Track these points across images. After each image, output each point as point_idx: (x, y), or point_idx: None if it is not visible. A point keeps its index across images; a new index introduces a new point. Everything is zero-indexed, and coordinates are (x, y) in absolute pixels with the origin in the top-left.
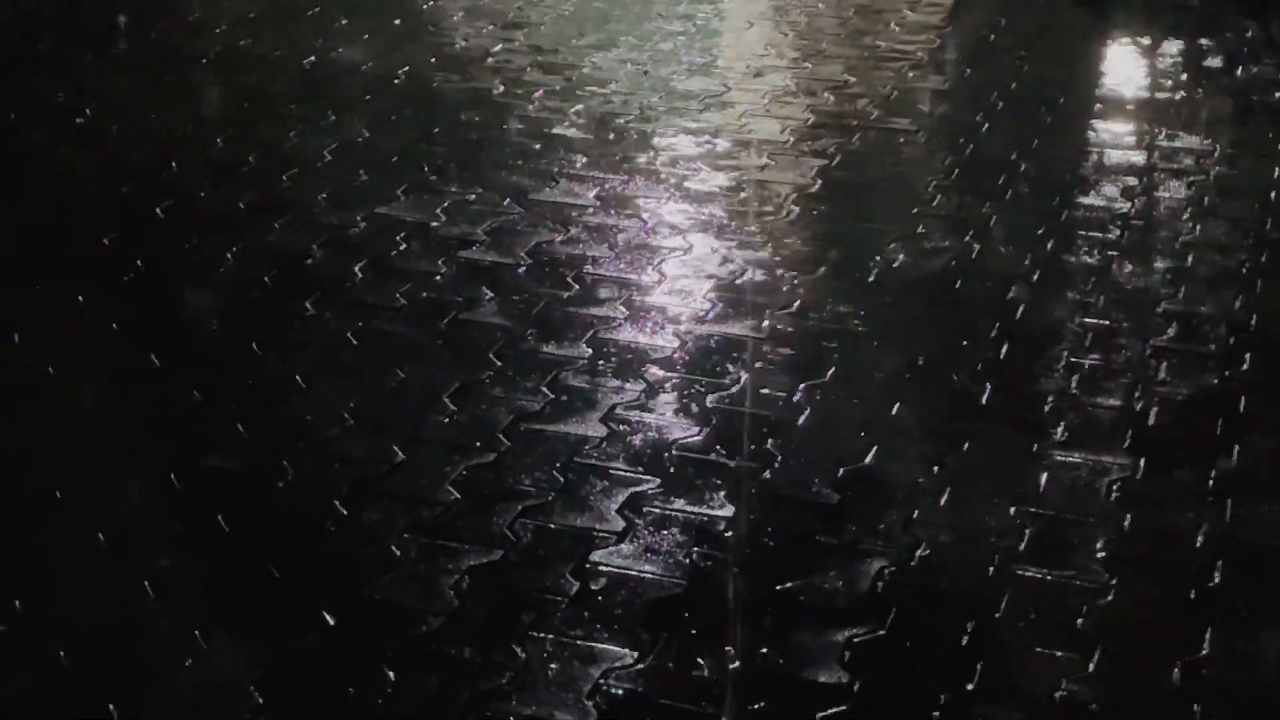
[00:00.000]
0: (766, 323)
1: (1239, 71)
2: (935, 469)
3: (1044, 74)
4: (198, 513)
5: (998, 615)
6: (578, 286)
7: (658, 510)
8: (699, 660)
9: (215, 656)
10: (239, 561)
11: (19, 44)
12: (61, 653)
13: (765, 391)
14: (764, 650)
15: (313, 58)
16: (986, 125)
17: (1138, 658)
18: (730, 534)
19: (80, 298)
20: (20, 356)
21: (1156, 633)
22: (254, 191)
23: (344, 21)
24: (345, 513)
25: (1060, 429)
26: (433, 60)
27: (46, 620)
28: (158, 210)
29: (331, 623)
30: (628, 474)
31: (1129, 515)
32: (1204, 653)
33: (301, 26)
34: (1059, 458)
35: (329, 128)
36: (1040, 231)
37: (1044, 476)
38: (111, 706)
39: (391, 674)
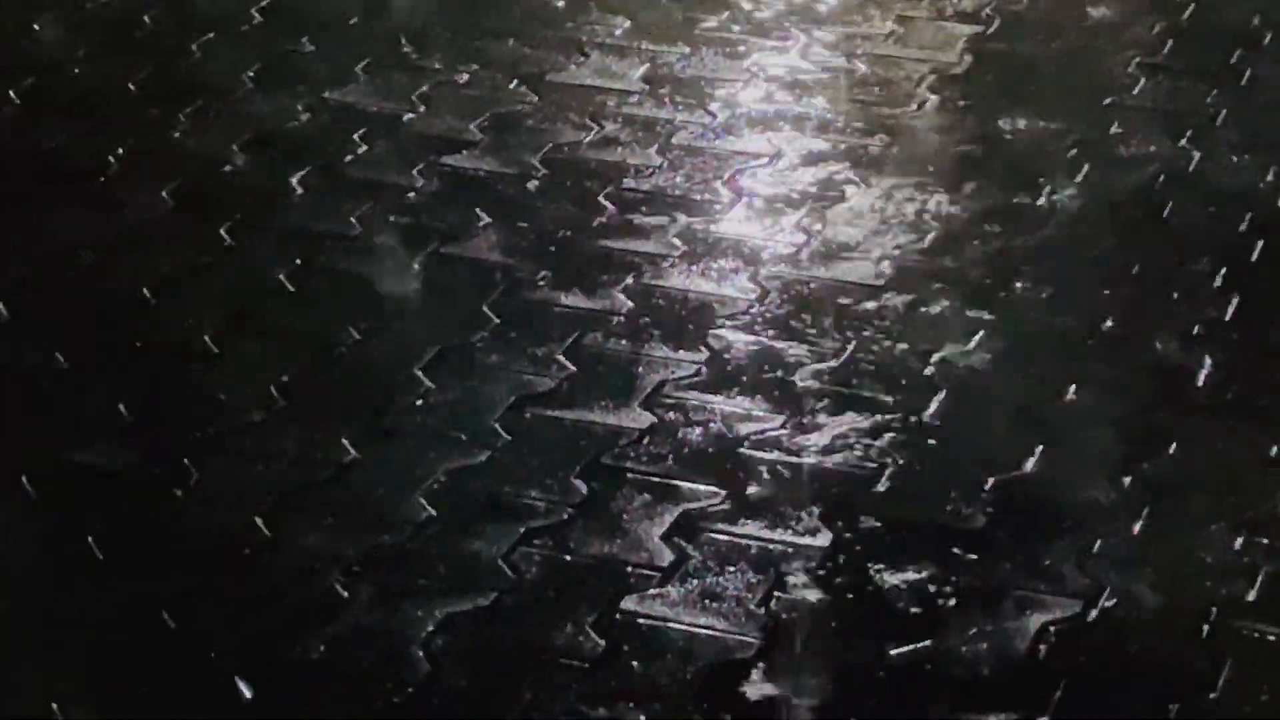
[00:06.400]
0: (885, 265)
1: None
2: (1126, 481)
3: None
4: None
5: (1214, 695)
6: (613, 209)
7: (721, 538)
8: None
9: None
10: None
11: None
12: None
13: (883, 366)
14: None
15: None
16: None
17: None
18: (826, 572)
19: None
20: None
21: None
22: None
23: None
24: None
25: None
26: None
27: None
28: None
29: None
30: (681, 484)
31: None
32: None
33: None
34: None
35: None
36: None
37: None
38: None
39: None
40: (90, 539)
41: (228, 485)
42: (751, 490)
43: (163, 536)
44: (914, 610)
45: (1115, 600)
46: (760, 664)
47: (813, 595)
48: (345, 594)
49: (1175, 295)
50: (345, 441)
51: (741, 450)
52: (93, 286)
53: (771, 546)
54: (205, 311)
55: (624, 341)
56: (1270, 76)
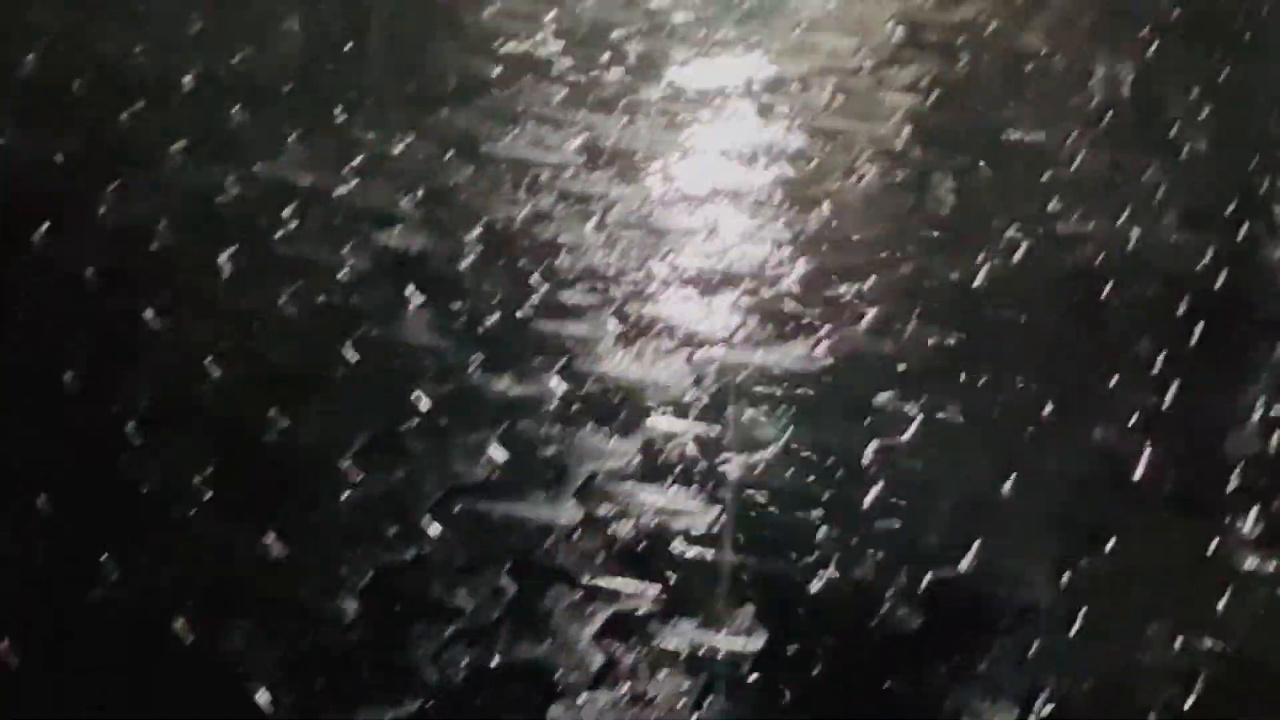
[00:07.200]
0: (823, 347)
1: None
2: (1065, 577)
3: None
4: None
5: None
6: (547, 286)
7: (653, 640)
8: None
9: None
10: None
11: None
12: None
13: (819, 456)
14: None
15: None
16: (1156, 44)
17: None
18: (759, 675)
19: None
20: None
21: None
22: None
23: None
24: None
25: (1252, 520)
26: None
27: None
28: None
29: None
30: (611, 582)
31: None
32: None
33: None
34: (1249, 564)
35: (193, 40)
36: (1231, 209)
37: (1226, 592)
38: None
39: None
40: (4, 639)
41: (149, 584)
42: (684, 589)
43: (81, 637)
44: (849, 715)
45: (1053, 705)
46: None
47: (746, 699)
48: (268, 701)
49: (1114, 381)
50: (271, 537)
51: (674, 547)
52: (12, 369)
53: (704, 650)
54: (130, 397)
55: (556, 430)
56: (1208, 149)
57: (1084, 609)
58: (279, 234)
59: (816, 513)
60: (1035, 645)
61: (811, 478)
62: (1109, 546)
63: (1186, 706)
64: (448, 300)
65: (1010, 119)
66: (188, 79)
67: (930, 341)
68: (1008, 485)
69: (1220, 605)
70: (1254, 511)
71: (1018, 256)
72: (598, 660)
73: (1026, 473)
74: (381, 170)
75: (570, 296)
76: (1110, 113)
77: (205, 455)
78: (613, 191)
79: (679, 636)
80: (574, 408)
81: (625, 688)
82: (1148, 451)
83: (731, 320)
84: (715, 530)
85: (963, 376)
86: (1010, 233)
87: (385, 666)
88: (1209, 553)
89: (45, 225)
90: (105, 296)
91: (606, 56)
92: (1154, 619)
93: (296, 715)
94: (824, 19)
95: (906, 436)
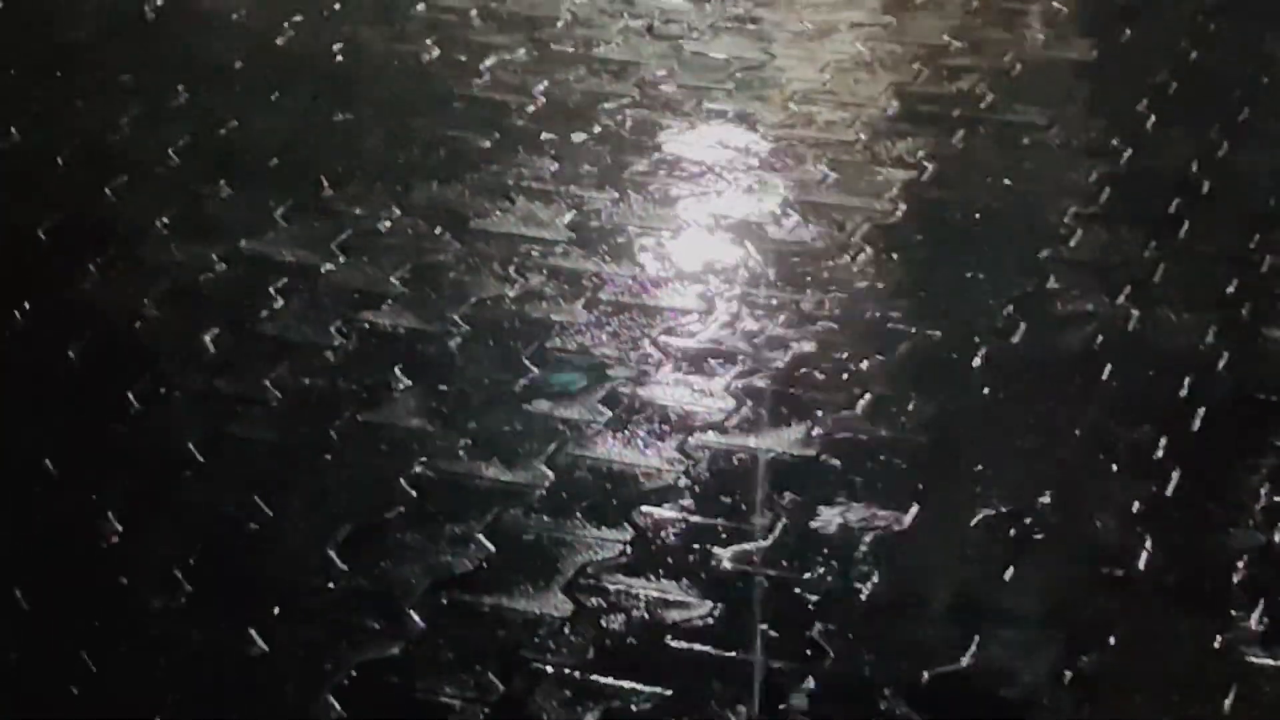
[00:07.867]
0: (817, 432)
1: None
2: (1066, 674)
3: (1242, 39)
4: None
5: None
6: (536, 370)
7: None
8: None
9: None
10: None
11: None
12: None
13: (815, 546)
14: None
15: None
16: (1153, 118)
17: None
18: None
19: None
20: None
21: None
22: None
23: None
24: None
25: (1258, 614)
26: (337, 6)
27: None
28: None
29: None
30: (602, 679)
31: None
32: None
33: None
34: (1255, 660)
35: (177, 110)
36: (1232, 288)
37: (1232, 690)
38: None
39: None
40: None
41: (126, 682)
42: (677, 687)
43: None
44: None
45: None
46: None
47: None
48: None
49: (1115, 468)
50: (253, 631)
51: (667, 641)
52: None
53: None
54: (109, 485)
55: (546, 518)
56: (1209, 226)
57: (1087, 707)
58: (264, 313)
59: (811, 606)
60: None
61: (807, 569)
62: (1111, 641)
63: None
64: (435, 382)
65: (1007, 194)
66: (173, 152)
67: (926, 425)
68: (1007, 576)
69: (1227, 702)
70: (1261, 604)
71: (1015, 337)
72: None
73: (1026, 564)
74: (369, 247)
75: (562, 379)
76: (1108, 188)
77: (186, 545)
78: (604, 269)
79: None
80: (564, 495)
81: None
82: (1149, 542)
83: (725, 403)
84: (709, 624)
85: (960, 462)
86: (1007, 312)
87: None
88: (1215, 647)
89: (26, 304)
90: (87, 377)
91: (597, 128)
92: (1159, 717)
93: None
94: (817, 92)
95: (903, 526)
